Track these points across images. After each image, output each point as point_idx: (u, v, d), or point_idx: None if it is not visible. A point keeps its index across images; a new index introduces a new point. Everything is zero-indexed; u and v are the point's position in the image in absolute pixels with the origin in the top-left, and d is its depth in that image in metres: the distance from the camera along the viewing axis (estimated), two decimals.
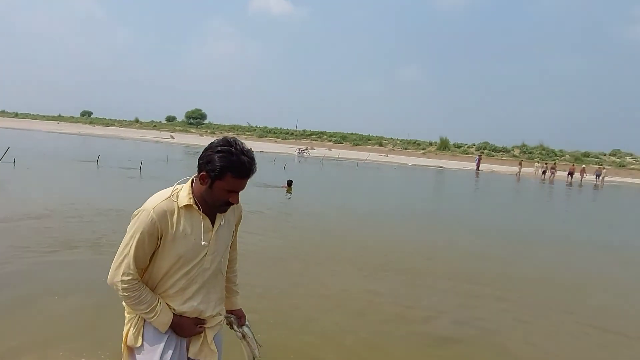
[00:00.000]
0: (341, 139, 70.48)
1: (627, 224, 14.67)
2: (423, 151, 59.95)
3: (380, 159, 43.31)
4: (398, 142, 68.12)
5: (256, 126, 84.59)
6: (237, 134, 66.26)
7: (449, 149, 59.88)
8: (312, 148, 50.59)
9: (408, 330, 4.28)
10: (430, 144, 64.12)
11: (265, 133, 77.81)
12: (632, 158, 52.59)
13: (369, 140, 69.58)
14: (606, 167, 41.70)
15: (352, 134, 74.09)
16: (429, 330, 4.35)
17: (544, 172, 37.11)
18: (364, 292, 5.21)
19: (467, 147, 60.71)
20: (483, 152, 53.21)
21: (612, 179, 38.14)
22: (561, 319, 4.91)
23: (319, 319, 4.34)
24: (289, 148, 49.01)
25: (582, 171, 36.81)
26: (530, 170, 40.08)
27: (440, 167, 39.37)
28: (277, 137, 72.98)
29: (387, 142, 68.35)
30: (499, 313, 4.96)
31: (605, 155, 54.18)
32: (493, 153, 56.82)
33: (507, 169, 42.21)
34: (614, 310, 5.36)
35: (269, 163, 25.93)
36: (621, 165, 49.06)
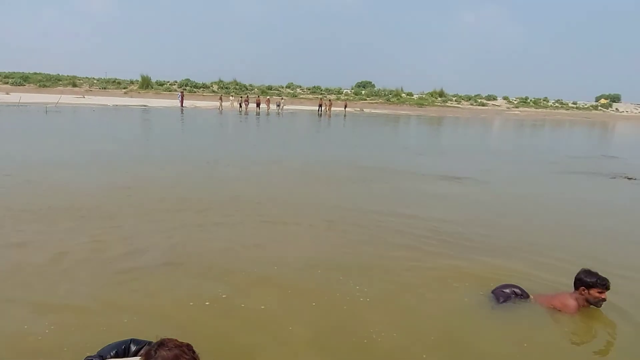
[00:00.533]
0: (22, 80, 56.30)
1: (302, 140, 17.85)
2: (125, 90, 54.80)
3: (75, 101, 37.27)
4: (95, 81, 59.73)
5: None
6: None
7: (152, 87, 56.77)
8: None
9: (138, 264, 4.25)
10: (132, 82, 59.06)
11: None
12: (301, 89, 63.10)
13: (59, 80, 58.25)
14: (284, 97, 48.57)
15: (36, 73, 60.17)
16: (155, 259, 4.38)
17: (240, 105, 40.23)
18: (63, 236, 4.69)
19: (170, 84, 59.05)
20: (185, 89, 52.98)
21: (289, 107, 44.84)
22: (245, 220, 5.79)
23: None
24: None
25: (268, 102, 41.88)
26: (227, 104, 42.63)
27: (145, 105, 37.22)
28: None
29: (81, 82, 58.91)
30: (202, 228, 5.36)
31: (283, 87, 62.78)
32: (194, 90, 57.28)
33: (208, 104, 43.55)
34: (269, 206, 6.59)
35: None
36: (294, 96, 58.02)
